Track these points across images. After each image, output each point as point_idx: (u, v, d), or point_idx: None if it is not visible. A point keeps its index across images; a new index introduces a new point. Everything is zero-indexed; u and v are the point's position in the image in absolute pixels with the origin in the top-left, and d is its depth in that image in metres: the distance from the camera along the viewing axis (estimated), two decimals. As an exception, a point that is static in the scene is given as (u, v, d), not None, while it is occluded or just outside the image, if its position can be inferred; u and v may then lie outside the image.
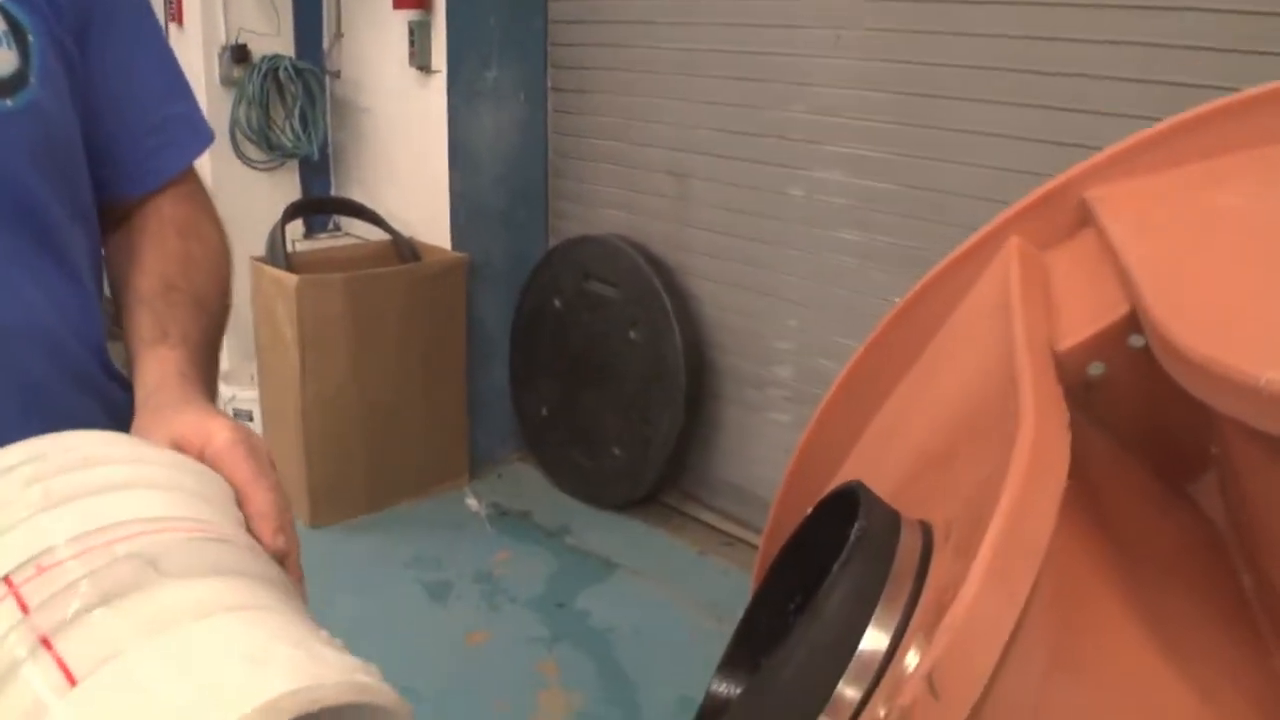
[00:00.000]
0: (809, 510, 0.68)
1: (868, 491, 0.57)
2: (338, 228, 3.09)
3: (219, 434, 0.60)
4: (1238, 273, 0.60)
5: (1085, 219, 0.85)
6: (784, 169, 2.41)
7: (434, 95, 2.74)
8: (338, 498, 2.70)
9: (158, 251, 0.80)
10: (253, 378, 2.81)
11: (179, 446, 0.60)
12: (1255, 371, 0.47)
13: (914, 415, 0.82)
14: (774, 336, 2.56)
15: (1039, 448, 0.53)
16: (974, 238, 0.91)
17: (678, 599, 2.45)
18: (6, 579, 0.47)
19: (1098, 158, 0.84)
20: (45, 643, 0.45)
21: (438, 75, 2.72)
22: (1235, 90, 0.78)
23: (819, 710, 0.51)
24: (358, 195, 2.99)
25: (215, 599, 0.47)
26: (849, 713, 0.50)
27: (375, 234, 2.88)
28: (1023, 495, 0.50)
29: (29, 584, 0.47)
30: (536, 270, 2.91)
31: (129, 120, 0.80)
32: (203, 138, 0.87)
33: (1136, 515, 0.66)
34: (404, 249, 2.80)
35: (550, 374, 2.95)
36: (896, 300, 2.34)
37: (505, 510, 2.87)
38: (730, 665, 0.69)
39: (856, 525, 0.54)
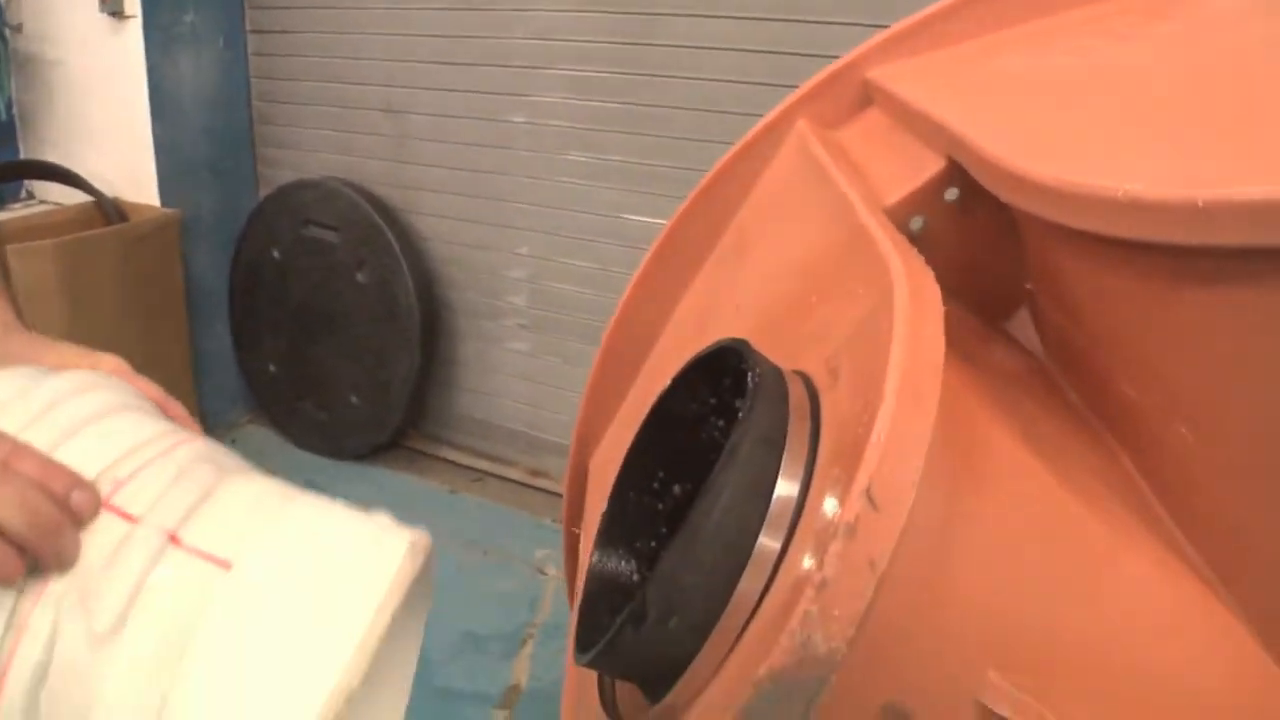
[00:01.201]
0: (666, 384, 0.70)
1: (749, 346, 0.60)
2: (30, 195, 2.81)
3: (108, 361, 0.65)
4: (1049, 115, 0.66)
5: (868, 98, 0.91)
6: (505, 96, 2.40)
7: (129, 43, 2.53)
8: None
9: None
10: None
11: None
12: (1113, 185, 0.52)
13: (734, 291, 0.85)
14: (506, 266, 2.56)
15: (913, 278, 0.57)
16: (759, 125, 0.94)
17: (438, 539, 2.37)
18: None
19: (874, 41, 0.90)
20: (175, 539, 0.46)
21: (132, 21, 2.51)
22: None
23: (744, 562, 0.53)
24: (51, 157, 2.73)
25: (277, 487, 0.53)
26: (771, 563, 0.53)
27: (72, 197, 2.65)
28: (914, 319, 0.53)
29: (117, 495, 0.48)
30: (250, 221, 2.77)
31: None
32: None
33: (975, 347, 0.71)
34: (109, 210, 2.59)
35: (275, 328, 2.83)
36: (628, 217, 2.40)
37: (243, 474, 2.73)
38: (607, 545, 0.70)
39: (751, 375, 0.56)
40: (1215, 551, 0.61)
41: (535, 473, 2.68)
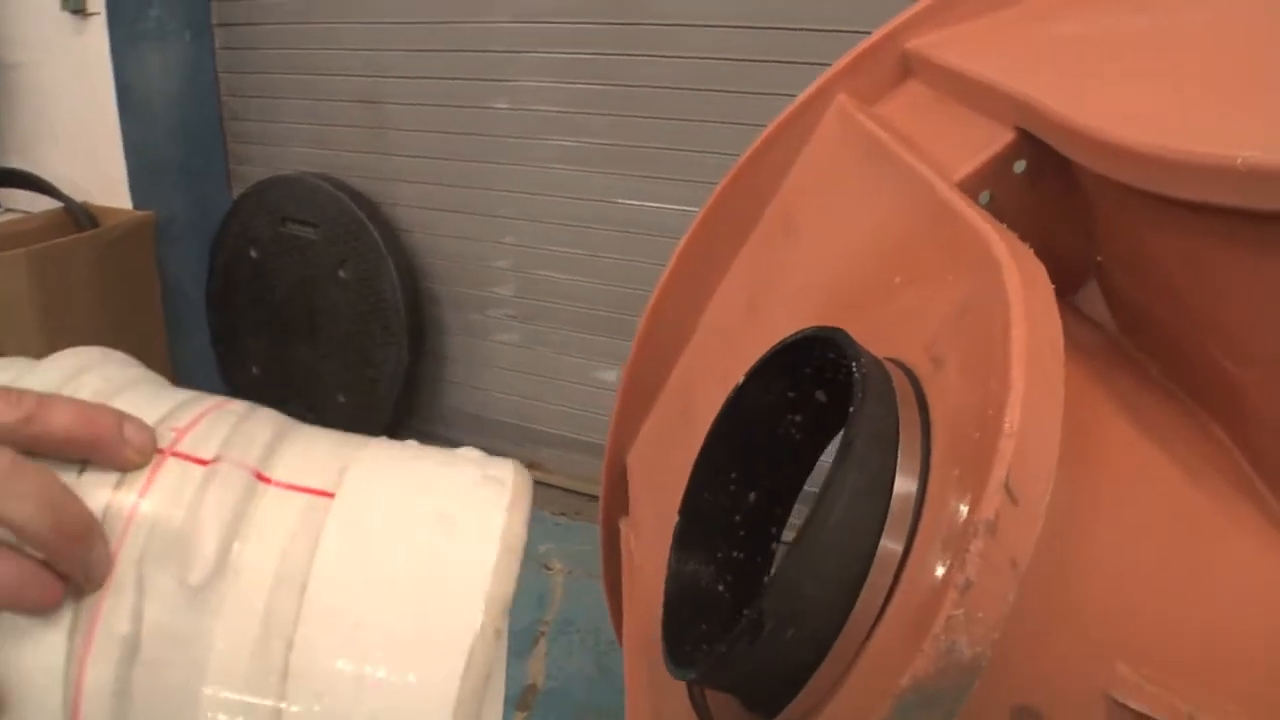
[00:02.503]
0: (741, 379, 0.67)
1: (847, 335, 0.57)
2: (-6, 204, 2.74)
3: None
4: (1132, 81, 0.64)
5: (907, 70, 0.88)
6: (486, 82, 2.36)
7: (93, 41, 2.46)
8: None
9: None
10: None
11: None
12: (1229, 153, 0.50)
13: (789, 274, 0.82)
14: (492, 256, 2.52)
15: (1018, 257, 0.54)
16: (795, 103, 0.92)
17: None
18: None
19: (912, 12, 0.87)
20: (262, 477, 0.40)
21: (95, 18, 2.44)
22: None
23: (867, 567, 0.50)
24: (16, 163, 2.66)
25: (350, 434, 0.47)
26: (894, 567, 0.50)
27: (41, 204, 2.58)
28: (1029, 298, 0.51)
29: (182, 442, 0.41)
30: (226, 221, 2.71)
31: None
32: None
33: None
34: (79, 216, 2.52)
35: (255, 329, 2.77)
36: (618, 201, 2.37)
37: (231, 478, 2.68)
38: (685, 549, 0.67)
39: (856, 366, 0.54)
40: (1326, 527, 0.59)
41: (530, 464, 2.65)
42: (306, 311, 2.66)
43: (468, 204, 2.49)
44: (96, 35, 2.46)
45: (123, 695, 0.38)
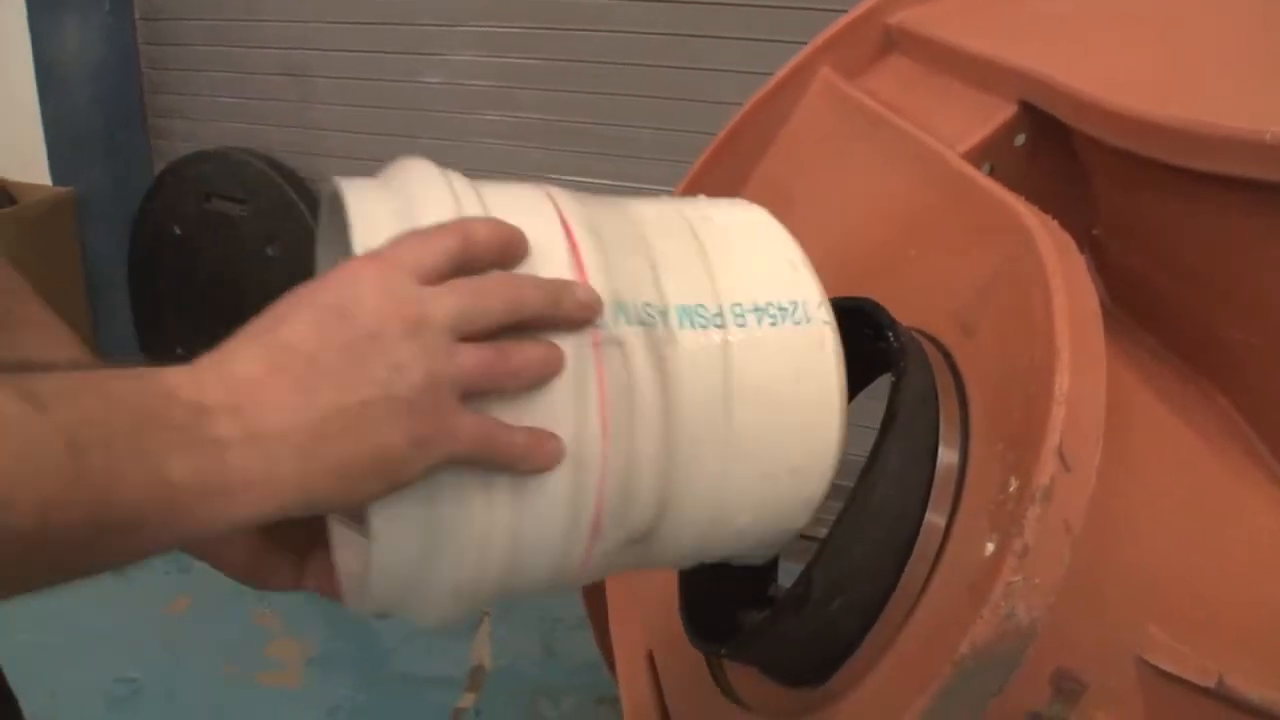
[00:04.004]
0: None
1: (879, 306, 0.57)
2: (-97, 184, 2.62)
3: None
4: (1135, 57, 0.65)
5: (889, 44, 0.88)
6: (416, 56, 2.31)
7: (10, 11, 2.36)
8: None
9: None
10: None
11: None
12: (1259, 128, 0.51)
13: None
14: (425, 234, 2.47)
15: (1048, 226, 0.55)
16: (778, 76, 0.91)
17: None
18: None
19: (893, -13, 0.87)
20: None
21: (12, -11, 2.34)
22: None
23: (914, 535, 0.51)
24: (-75, 137, 2.55)
25: None
26: (939, 535, 0.51)
27: (-47, 181, 2.47)
28: (1064, 270, 0.51)
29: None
30: (148, 197, 2.62)
31: None
32: None
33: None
34: (-4, 193, 2.43)
35: (179, 308, 2.69)
36: (554, 176, 2.33)
37: (156, 462, 2.60)
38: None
39: (894, 336, 0.54)
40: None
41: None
42: (234, 290, 2.59)
43: (400, 180, 2.45)
44: (13, 6, 2.37)
45: None
